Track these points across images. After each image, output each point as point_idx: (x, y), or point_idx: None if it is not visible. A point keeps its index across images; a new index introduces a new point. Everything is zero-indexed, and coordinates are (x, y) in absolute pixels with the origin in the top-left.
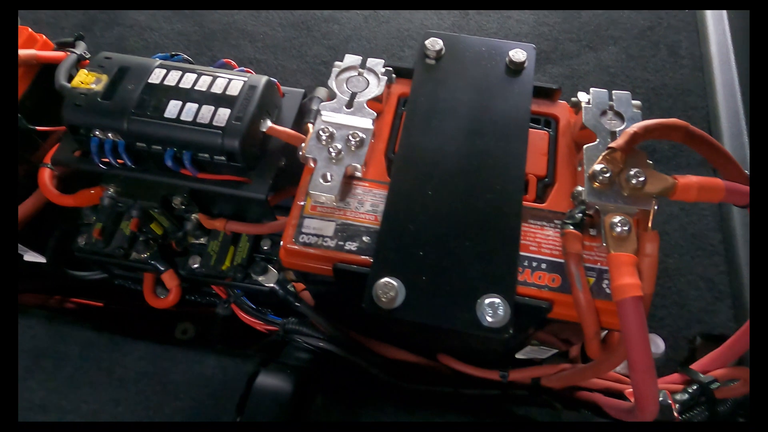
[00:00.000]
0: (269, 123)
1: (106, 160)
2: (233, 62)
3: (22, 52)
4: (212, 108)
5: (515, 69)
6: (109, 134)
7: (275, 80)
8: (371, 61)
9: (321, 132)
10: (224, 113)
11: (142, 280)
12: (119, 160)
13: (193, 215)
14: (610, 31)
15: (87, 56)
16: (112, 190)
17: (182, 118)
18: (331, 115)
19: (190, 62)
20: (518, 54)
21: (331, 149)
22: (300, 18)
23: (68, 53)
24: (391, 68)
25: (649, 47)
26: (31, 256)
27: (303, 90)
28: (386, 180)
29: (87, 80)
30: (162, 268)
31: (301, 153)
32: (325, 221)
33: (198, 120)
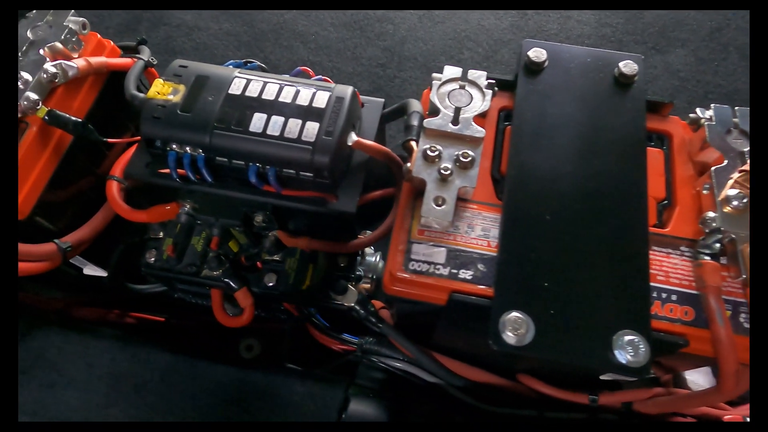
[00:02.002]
0: (355, 136)
1: (183, 174)
2: (309, 70)
3: (93, 59)
4: (299, 121)
5: (625, 82)
6: (187, 148)
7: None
8: (473, 73)
9: (428, 151)
10: (313, 127)
11: (203, 294)
12: (197, 175)
13: (272, 232)
14: (677, 33)
15: (154, 63)
16: (188, 206)
17: (268, 132)
18: (436, 133)
19: (264, 69)
20: (628, 66)
21: (441, 170)
22: (352, 18)
23: (135, 60)
24: (493, 80)
25: (719, 50)
26: (91, 270)
27: (383, 100)
28: (495, 202)
29: (164, 91)
30: (235, 287)
31: (407, 173)
32: (435, 247)
33: (285, 134)
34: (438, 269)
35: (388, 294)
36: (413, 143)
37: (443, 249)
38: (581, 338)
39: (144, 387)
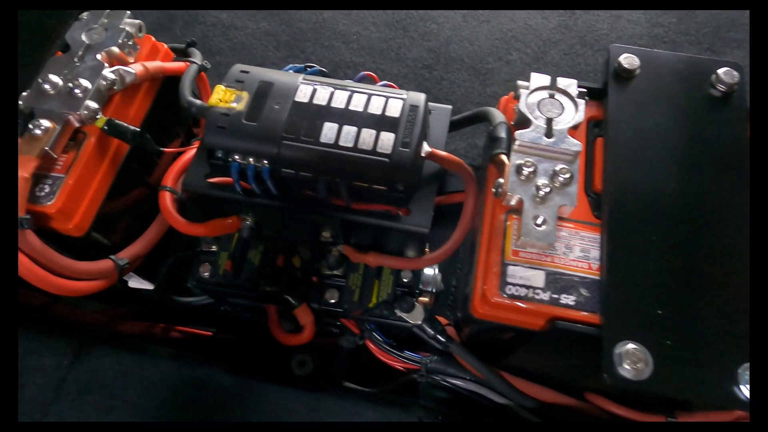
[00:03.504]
0: (428, 147)
1: (245, 186)
2: (374, 75)
3: (149, 64)
4: (373, 132)
5: (725, 91)
6: (250, 159)
7: None
8: (563, 81)
9: (523, 167)
10: (388, 138)
11: (251, 307)
12: (262, 188)
13: (338, 247)
14: (731, 34)
15: (207, 67)
16: (250, 220)
17: (341, 143)
18: (529, 146)
19: (325, 73)
20: (728, 75)
21: (539, 188)
22: (394, 17)
23: (188, 63)
24: (585, 89)
25: None
26: (137, 283)
27: (450, 107)
28: (592, 220)
29: (226, 98)
30: (295, 303)
31: (501, 190)
32: (533, 270)
33: (359, 146)
34: (537, 294)
35: (476, 317)
36: (504, 157)
37: (542, 272)
38: (703, 372)
39: (206, 414)
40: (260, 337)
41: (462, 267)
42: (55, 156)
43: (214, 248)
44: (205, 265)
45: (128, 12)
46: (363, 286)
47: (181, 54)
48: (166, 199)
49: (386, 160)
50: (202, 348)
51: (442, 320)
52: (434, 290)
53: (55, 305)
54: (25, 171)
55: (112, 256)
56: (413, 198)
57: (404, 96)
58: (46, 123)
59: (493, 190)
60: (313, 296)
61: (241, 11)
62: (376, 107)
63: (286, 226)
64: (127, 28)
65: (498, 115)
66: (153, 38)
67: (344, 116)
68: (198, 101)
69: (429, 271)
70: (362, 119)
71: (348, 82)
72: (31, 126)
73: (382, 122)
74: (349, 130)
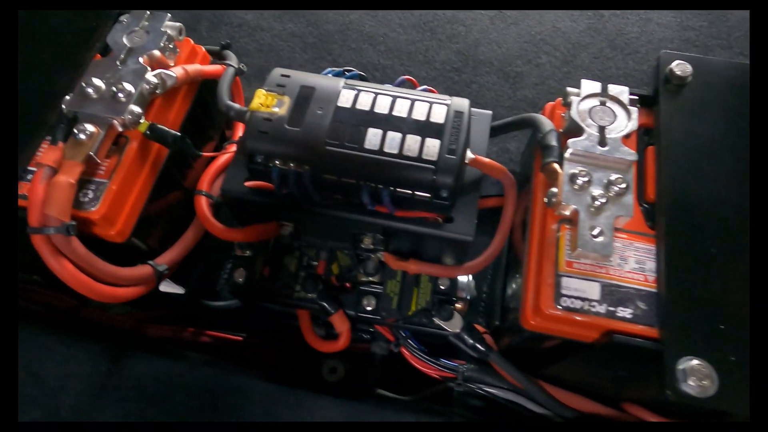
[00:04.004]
0: (471, 153)
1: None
2: (414, 79)
3: (189, 68)
4: (418, 138)
5: None
6: (291, 164)
7: None
8: (614, 89)
9: (577, 176)
10: (433, 144)
11: (282, 312)
12: (303, 194)
13: (378, 254)
14: None
15: (244, 70)
16: (290, 226)
17: (385, 149)
18: (582, 155)
19: (364, 78)
20: None
21: (595, 198)
22: (421, 18)
23: (225, 66)
24: (636, 96)
25: None
26: (167, 287)
27: (491, 112)
28: (646, 231)
29: (267, 102)
30: (332, 310)
31: (555, 200)
32: (587, 281)
33: (404, 152)
34: (593, 306)
35: (527, 329)
36: (556, 166)
37: (597, 284)
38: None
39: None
40: (291, 342)
41: (494, 274)
42: (99, 161)
43: (248, 253)
44: (240, 270)
45: (169, 14)
46: (401, 293)
47: (216, 56)
48: (203, 204)
49: (432, 167)
50: (234, 353)
51: (479, 328)
52: (468, 297)
53: (83, 308)
54: (71, 176)
55: (150, 262)
56: (456, 205)
57: (448, 101)
58: (90, 128)
59: (545, 199)
60: (348, 303)
61: (267, 13)
62: (420, 113)
63: (326, 232)
64: (169, 31)
65: (547, 122)
66: (192, 41)
67: (388, 122)
68: (236, 105)
69: (464, 278)
70: (406, 125)
71: (388, 87)
72: (75, 131)
73: (426, 128)
74: (394, 136)
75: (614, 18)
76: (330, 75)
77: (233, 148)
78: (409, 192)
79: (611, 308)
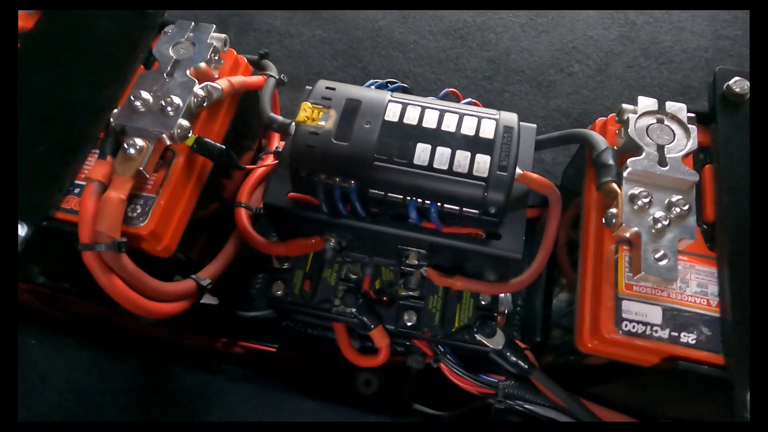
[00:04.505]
0: (519, 169)
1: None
2: (458, 92)
3: (234, 79)
4: (468, 154)
5: None
6: (337, 178)
7: None
8: (672, 106)
9: (637, 197)
10: (483, 161)
11: (320, 325)
12: (349, 209)
13: (422, 270)
14: None
15: (285, 81)
16: (334, 241)
17: (435, 165)
18: (642, 175)
19: (407, 90)
20: None
21: (657, 220)
22: (451, 26)
23: (265, 77)
24: (694, 114)
25: None
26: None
27: (535, 126)
28: (707, 253)
29: (313, 116)
30: (372, 325)
31: (615, 221)
32: (648, 305)
33: (454, 168)
34: (656, 331)
35: (583, 351)
36: (615, 186)
37: (658, 307)
38: None
39: None
40: (324, 353)
41: (529, 287)
42: (148, 176)
43: (286, 266)
44: (278, 283)
45: (214, 26)
46: (444, 309)
47: (254, 66)
48: (243, 217)
49: (483, 183)
50: (268, 364)
51: (519, 344)
52: (506, 311)
53: (115, 317)
54: (121, 192)
55: (193, 276)
56: (503, 221)
57: (497, 116)
58: (139, 142)
59: (603, 220)
60: (387, 317)
61: (296, 18)
62: (468, 128)
63: (372, 248)
64: (214, 43)
65: (601, 139)
66: (235, 52)
67: (436, 137)
68: (279, 117)
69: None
70: (455, 140)
71: (431, 99)
72: (125, 145)
73: (476, 144)
74: (443, 152)
75: (647, 26)
76: (373, 87)
77: (269, 158)
78: (457, 208)
79: (674, 333)
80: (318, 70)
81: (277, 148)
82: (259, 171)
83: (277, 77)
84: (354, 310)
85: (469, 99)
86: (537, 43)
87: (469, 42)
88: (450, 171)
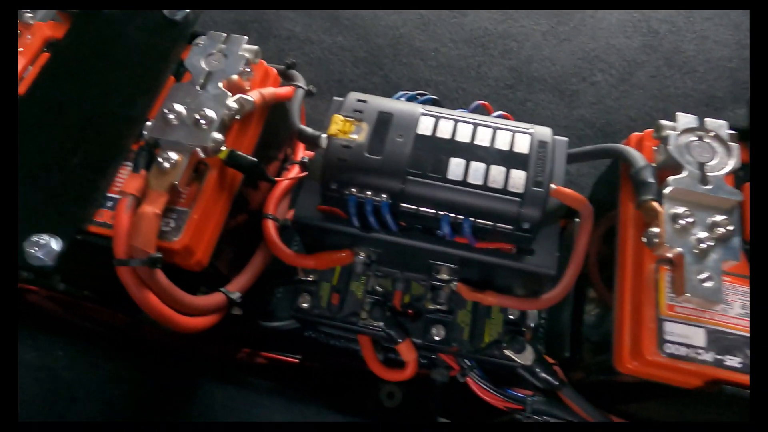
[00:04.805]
0: (553, 184)
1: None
2: (489, 105)
3: (265, 91)
4: (502, 169)
5: None
6: (368, 192)
7: None
8: (712, 123)
9: (680, 216)
10: (518, 176)
11: (344, 336)
12: (381, 223)
13: (452, 284)
14: None
15: (314, 91)
16: (364, 255)
17: (469, 180)
18: (684, 194)
19: (437, 102)
20: None
21: (701, 241)
22: (472, 33)
23: (293, 88)
24: (734, 131)
25: None
26: None
27: (567, 139)
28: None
29: (345, 129)
30: (399, 339)
31: (657, 240)
32: (691, 327)
33: (489, 184)
34: (699, 354)
35: (622, 371)
36: (656, 204)
37: (701, 329)
38: None
39: None
40: (347, 364)
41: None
42: (181, 190)
43: (311, 277)
44: (305, 295)
45: (246, 37)
46: (473, 324)
47: (281, 75)
48: (271, 228)
49: (518, 199)
50: (291, 376)
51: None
52: (533, 325)
53: (137, 326)
54: (156, 207)
55: (223, 289)
56: (536, 237)
57: (531, 130)
58: (174, 156)
59: (644, 239)
60: (414, 330)
61: (316, 25)
62: (502, 142)
63: (403, 262)
64: (247, 55)
65: (639, 156)
66: (265, 63)
67: (470, 151)
68: (309, 129)
69: None
70: (490, 155)
71: (461, 112)
72: (160, 159)
73: (510, 159)
74: (478, 167)
75: (669, 35)
76: (403, 99)
77: (295, 169)
78: (491, 223)
79: (719, 356)
80: (339, 77)
81: (303, 158)
82: (285, 182)
83: (306, 88)
84: (382, 323)
85: (500, 112)
86: (559, 52)
87: (490, 50)
88: (485, 186)
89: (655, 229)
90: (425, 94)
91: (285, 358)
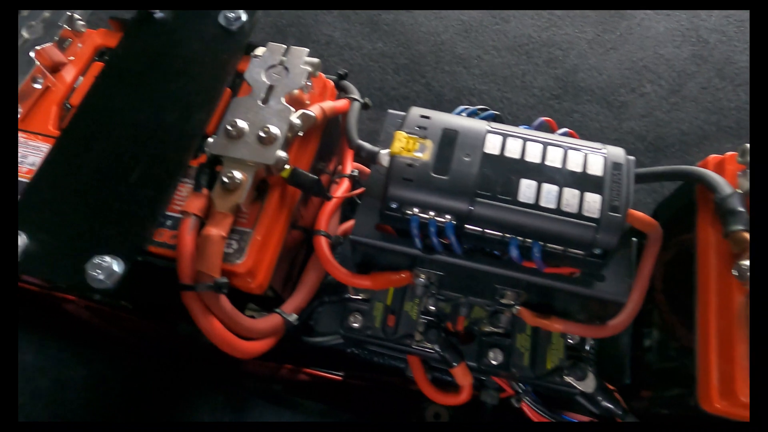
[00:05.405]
0: None
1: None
2: (553, 121)
3: (325, 105)
4: (576, 192)
5: None
6: (431, 212)
7: None
8: None
9: None
10: (593, 200)
11: (389, 355)
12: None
13: (514, 309)
14: None
15: (369, 104)
16: (424, 276)
17: (541, 203)
18: None
19: (498, 117)
20: None
21: None
22: (515, 41)
23: (349, 101)
24: None
25: None
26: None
27: (633, 158)
28: None
29: (410, 146)
30: (454, 363)
31: (749, 274)
32: None
33: (562, 208)
34: None
35: (709, 411)
36: (747, 235)
37: None
38: None
39: None
40: (390, 382)
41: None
42: (245, 210)
43: (361, 296)
44: (355, 314)
45: (307, 50)
46: (534, 349)
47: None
48: (324, 246)
49: (593, 224)
50: (335, 393)
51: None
52: (587, 348)
53: (173, 337)
54: (222, 229)
55: (279, 310)
56: (608, 263)
57: (603, 151)
58: (238, 175)
59: (735, 272)
60: (468, 353)
61: (355, 30)
62: (575, 163)
63: (464, 285)
64: (308, 68)
65: (722, 181)
66: (324, 75)
67: (541, 172)
68: (368, 144)
69: None
70: (562, 177)
71: (523, 129)
72: (225, 179)
73: (584, 181)
74: (550, 189)
75: (720, 45)
76: (464, 114)
77: (345, 183)
78: (561, 248)
79: None
80: (380, 85)
81: (352, 172)
82: (335, 199)
83: (362, 101)
84: (437, 345)
85: (565, 129)
86: (605, 61)
87: (534, 58)
88: (558, 210)
89: (747, 263)
90: (486, 110)
91: (329, 375)
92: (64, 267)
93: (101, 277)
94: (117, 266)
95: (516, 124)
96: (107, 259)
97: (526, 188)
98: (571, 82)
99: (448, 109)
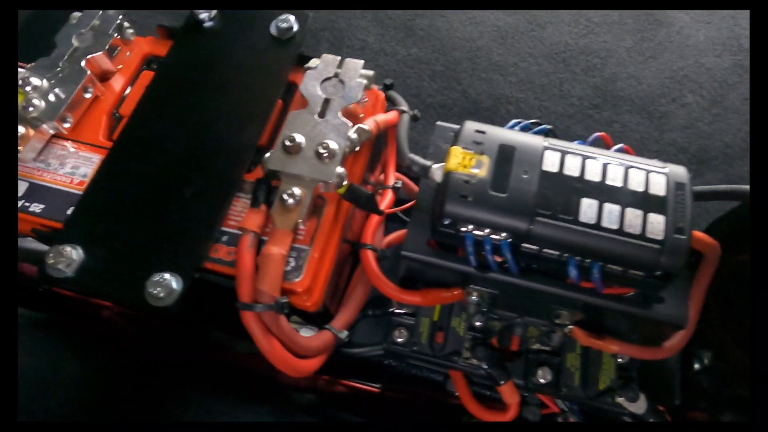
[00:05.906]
0: None
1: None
2: (608, 137)
3: (378, 118)
4: (639, 212)
5: None
6: (487, 230)
7: None
8: None
9: None
10: (657, 221)
11: (421, 366)
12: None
13: (567, 328)
14: None
15: (418, 116)
16: (477, 294)
17: (603, 224)
18: None
19: (552, 131)
20: None
21: None
22: (552, 48)
23: (398, 113)
24: None
25: None
26: (307, 332)
27: (689, 174)
28: None
29: (466, 162)
30: (502, 381)
31: None
32: None
33: (625, 228)
34: None
35: None
36: None
37: None
38: None
39: None
40: (427, 395)
41: None
42: (303, 226)
43: (405, 311)
44: (401, 329)
45: (362, 62)
46: (584, 368)
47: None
48: (371, 260)
49: (658, 246)
50: (372, 406)
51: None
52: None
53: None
54: (283, 248)
55: (329, 327)
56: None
57: (665, 170)
58: (297, 191)
59: None
60: (514, 370)
61: (389, 35)
62: (636, 182)
63: (519, 304)
64: (365, 81)
65: None
66: (376, 87)
67: (602, 192)
68: (420, 159)
69: None
70: (623, 196)
71: (578, 145)
72: (285, 196)
73: (646, 201)
74: (612, 209)
75: None
76: (517, 128)
77: (389, 194)
78: (620, 269)
79: None
80: (416, 92)
81: (395, 183)
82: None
83: (411, 113)
84: (484, 363)
85: (621, 145)
86: (644, 70)
87: (572, 66)
88: (620, 231)
89: None
90: (539, 124)
91: (366, 387)
92: (124, 284)
93: (161, 295)
94: (176, 284)
95: (556, 134)
96: (166, 276)
97: (587, 208)
98: (610, 92)
99: (487, 118)
